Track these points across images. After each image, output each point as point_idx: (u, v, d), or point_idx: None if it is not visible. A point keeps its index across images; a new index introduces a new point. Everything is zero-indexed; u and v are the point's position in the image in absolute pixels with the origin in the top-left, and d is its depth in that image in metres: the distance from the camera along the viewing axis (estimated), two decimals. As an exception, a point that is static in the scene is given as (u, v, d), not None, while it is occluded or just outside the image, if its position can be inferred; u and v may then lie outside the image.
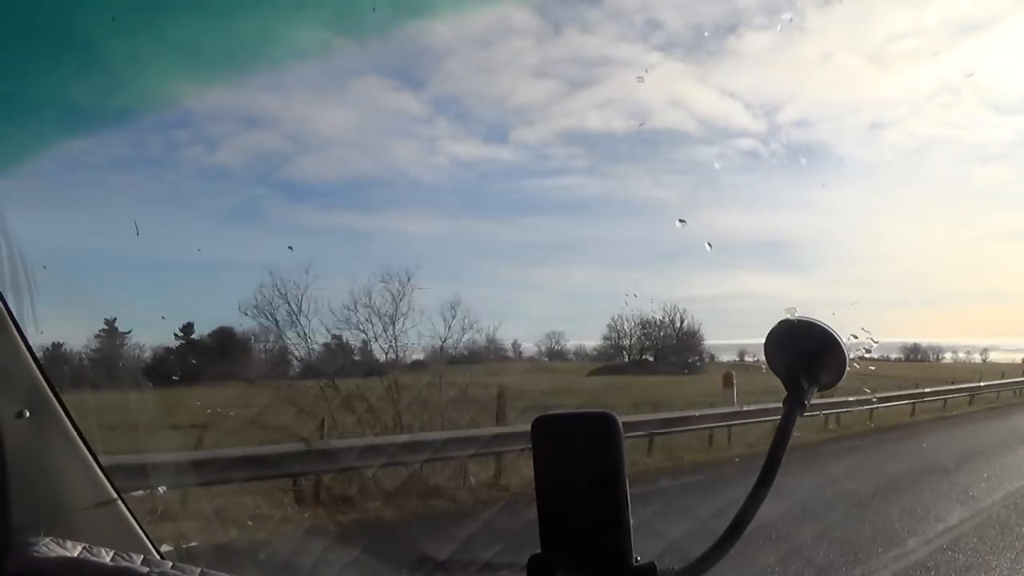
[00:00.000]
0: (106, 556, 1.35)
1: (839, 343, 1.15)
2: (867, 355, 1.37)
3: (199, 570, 1.27)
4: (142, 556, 1.38)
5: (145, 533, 1.58)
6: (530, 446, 1.07)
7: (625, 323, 44.59)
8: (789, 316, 1.13)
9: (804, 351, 1.14)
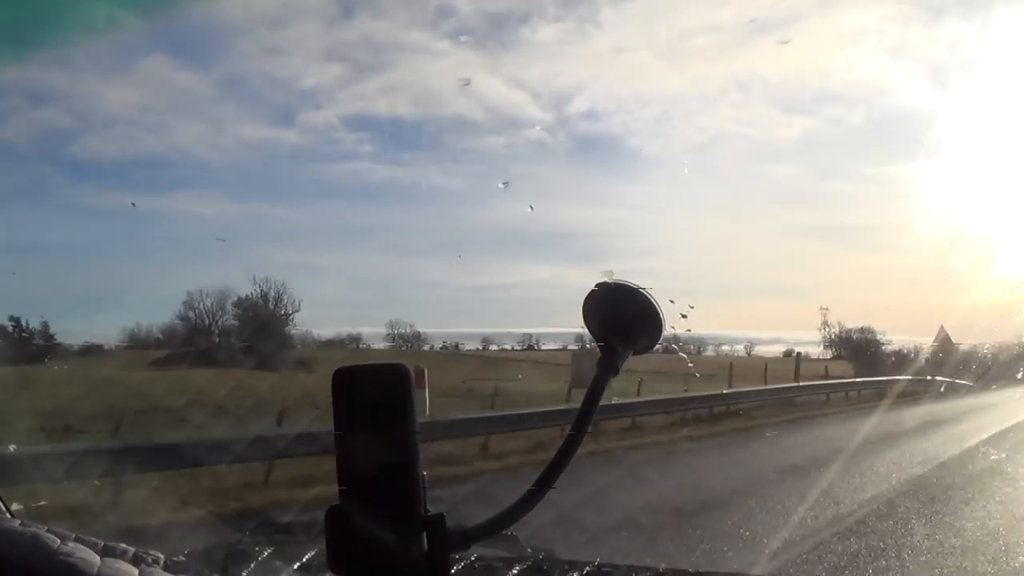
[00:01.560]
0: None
1: (655, 307, 1.16)
2: (684, 319, 1.40)
3: (45, 528, 1.16)
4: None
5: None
6: None
7: (207, 299, 36.22)
8: (607, 280, 1.13)
9: (620, 315, 1.14)
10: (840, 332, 49.09)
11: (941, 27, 39.02)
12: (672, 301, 1.25)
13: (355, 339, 43.24)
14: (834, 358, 46.21)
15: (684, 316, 1.44)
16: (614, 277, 1.13)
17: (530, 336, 50.82)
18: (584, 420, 1.12)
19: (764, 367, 28.68)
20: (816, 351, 48.26)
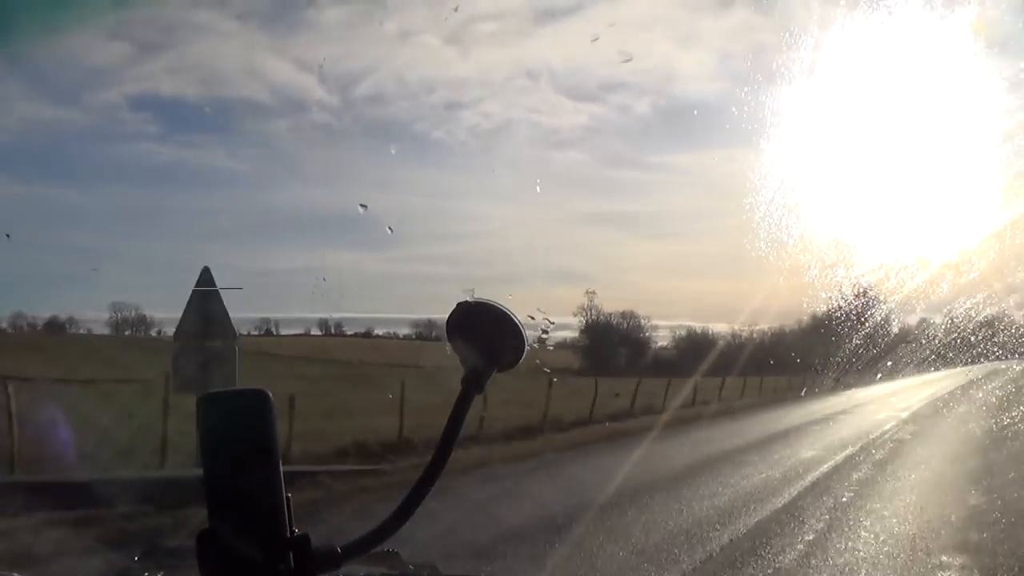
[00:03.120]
0: None
1: (517, 325, 1.21)
2: (545, 335, 1.47)
3: None
4: None
5: None
6: None
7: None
8: (468, 298, 1.18)
9: (481, 333, 1.19)
10: (599, 317, 47.69)
11: (731, 17, 40.96)
12: (532, 317, 1.32)
13: (67, 323, 40.63)
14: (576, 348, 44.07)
15: (545, 333, 1.51)
16: (475, 296, 1.18)
17: (268, 320, 47.80)
18: (448, 440, 1.15)
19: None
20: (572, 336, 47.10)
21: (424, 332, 46.46)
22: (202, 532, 1.02)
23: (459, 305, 1.18)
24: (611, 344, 46.94)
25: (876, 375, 24.75)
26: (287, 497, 1.05)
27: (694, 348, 42.62)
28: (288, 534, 1.04)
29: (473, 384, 1.18)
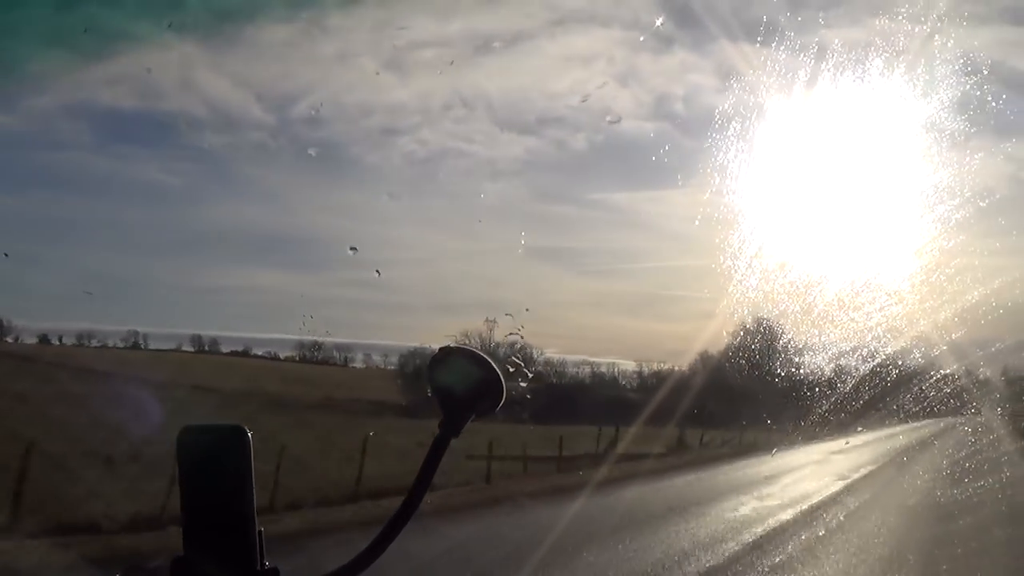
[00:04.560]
0: None
1: (496, 373, 1.25)
2: (523, 385, 1.50)
3: None
4: None
5: None
6: None
7: None
8: (450, 344, 1.22)
9: (461, 379, 1.22)
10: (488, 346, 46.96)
11: (670, 57, 42.34)
12: (511, 369, 1.36)
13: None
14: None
15: (524, 384, 1.54)
16: (457, 341, 1.22)
17: (135, 333, 43.66)
18: (422, 482, 1.18)
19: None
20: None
21: (308, 355, 45.07)
22: (177, 558, 1.05)
23: (440, 350, 1.22)
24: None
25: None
26: (260, 531, 1.07)
27: (591, 389, 40.94)
28: (259, 567, 1.06)
29: (450, 429, 1.21)
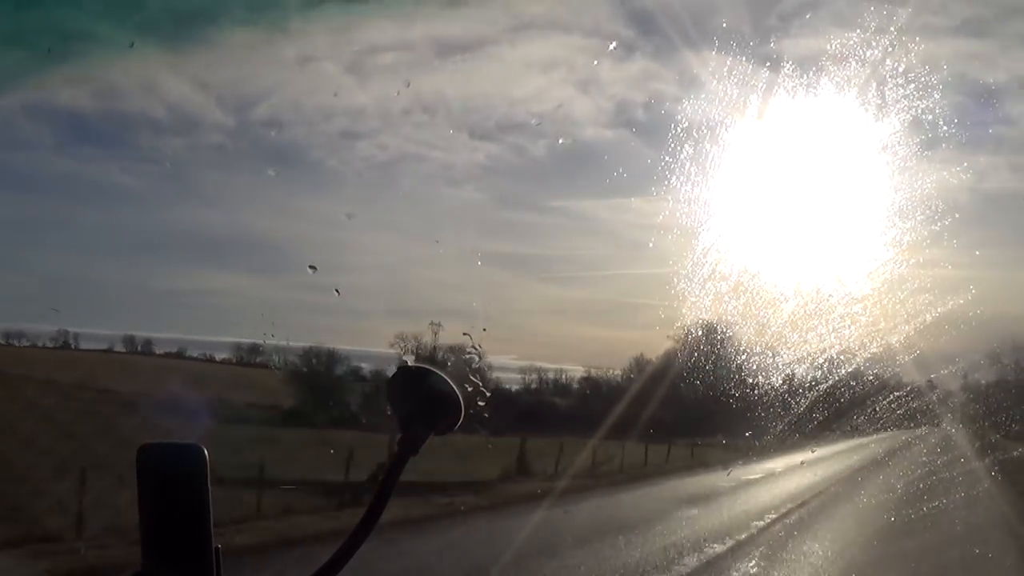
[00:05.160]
0: None
1: (454, 392, 1.28)
2: (481, 404, 1.54)
3: None
4: None
5: None
6: None
7: None
8: (408, 363, 1.25)
9: (420, 398, 1.25)
10: (430, 350, 44.22)
11: (631, 65, 42.97)
12: (469, 388, 1.39)
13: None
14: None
15: (482, 404, 1.58)
16: (414, 361, 1.26)
17: (66, 332, 41.90)
18: (381, 499, 1.21)
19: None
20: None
21: (245, 357, 44.30)
22: (135, 573, 1.06)
23: (400, 369, 1.25)
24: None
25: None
26: (216, 548, 1.09)
27: (539, 397, 40.70)
28: None
29: (409, 447, 1.24)
